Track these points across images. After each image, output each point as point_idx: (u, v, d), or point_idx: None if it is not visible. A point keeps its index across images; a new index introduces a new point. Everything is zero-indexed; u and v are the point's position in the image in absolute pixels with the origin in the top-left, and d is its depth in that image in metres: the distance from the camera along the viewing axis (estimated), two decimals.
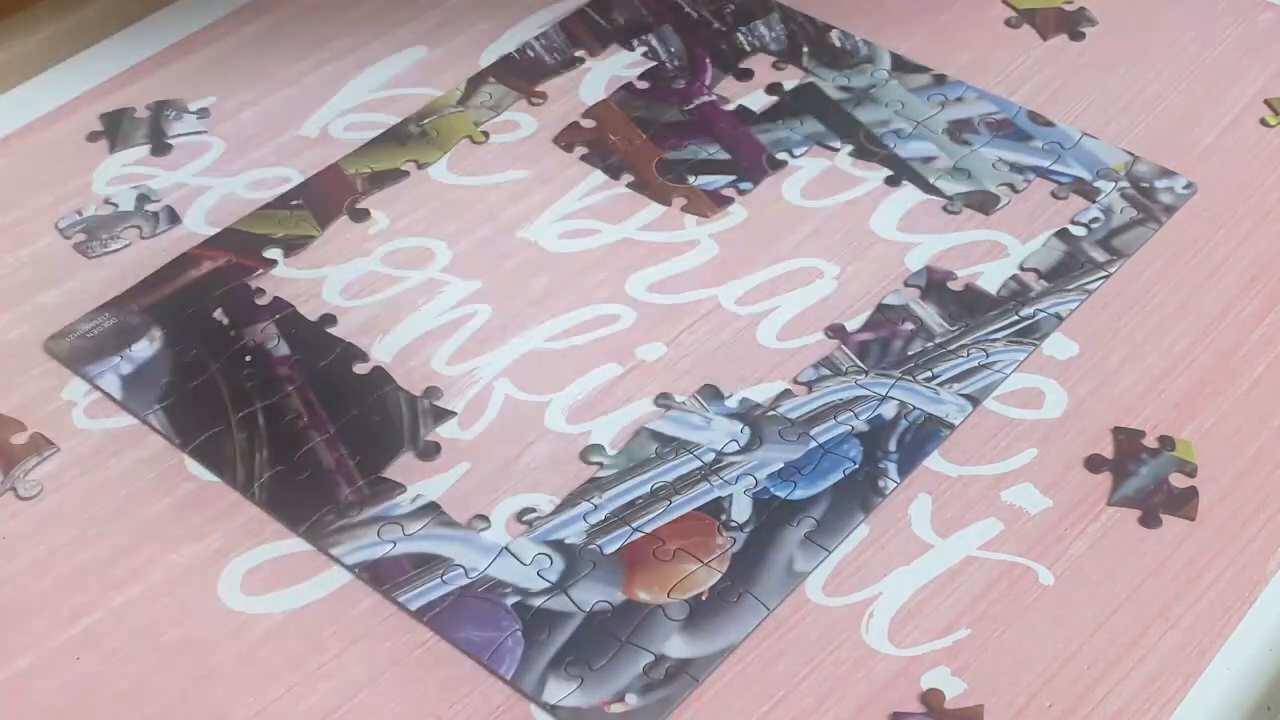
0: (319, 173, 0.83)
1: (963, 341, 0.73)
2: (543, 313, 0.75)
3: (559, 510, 0.66)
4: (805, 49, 0.90)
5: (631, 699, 0.60)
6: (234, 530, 0.66)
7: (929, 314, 0.74)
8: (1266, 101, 0.86)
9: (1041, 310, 0.74)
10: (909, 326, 0.74)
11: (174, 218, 0.80)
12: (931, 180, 0.81)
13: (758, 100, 0.87)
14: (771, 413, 0.70)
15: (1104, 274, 0.76)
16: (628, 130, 0.85)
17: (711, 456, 0.68)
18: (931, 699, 0.60)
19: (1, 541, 0.66)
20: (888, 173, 0.82)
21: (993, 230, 0.79)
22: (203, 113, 0.86)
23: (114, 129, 0.85)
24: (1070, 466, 0.68)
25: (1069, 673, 0.61)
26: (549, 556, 0.65)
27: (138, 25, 0.92)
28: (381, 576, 0.64)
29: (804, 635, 0.62)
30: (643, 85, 0.88)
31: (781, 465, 0.68)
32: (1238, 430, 0.69)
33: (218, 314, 0.75)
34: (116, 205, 0.81)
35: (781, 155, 0.83)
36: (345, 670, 0.61)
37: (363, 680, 0.61)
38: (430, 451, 0.69)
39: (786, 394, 0.71)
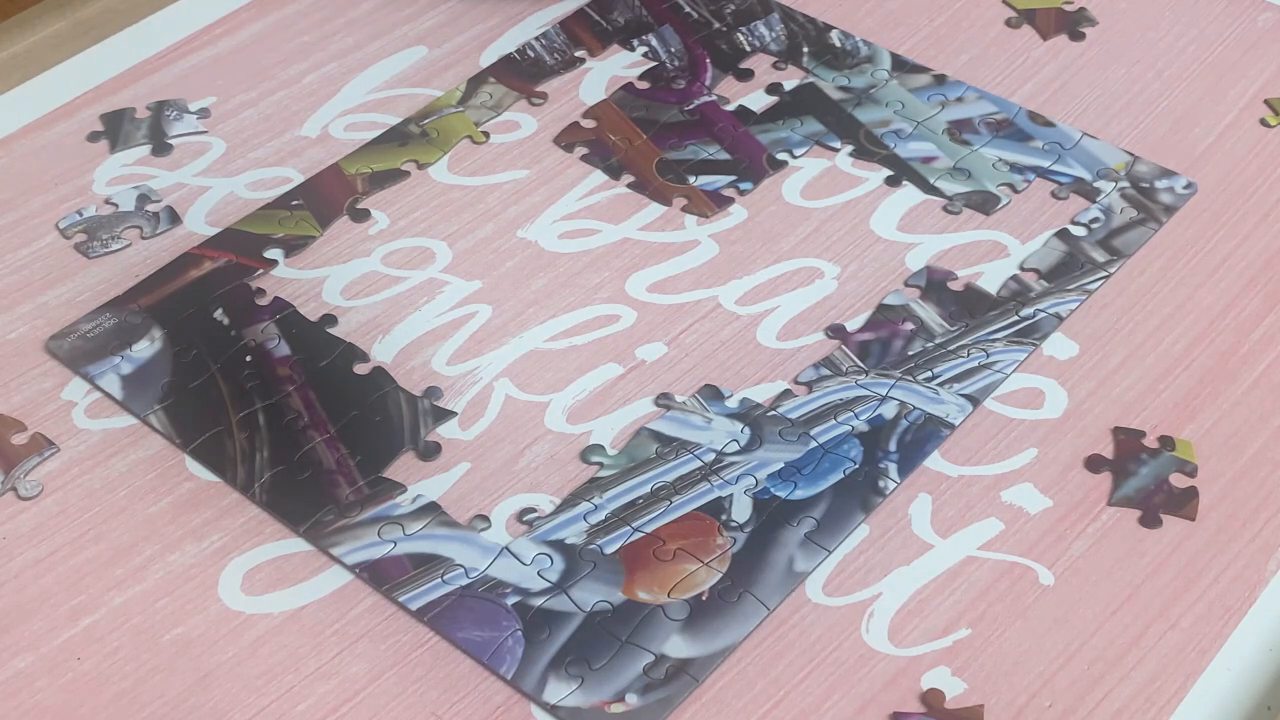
0: (319, 173, 0.83)
1: (963, 341, 0.73)
2: (543, 313, 0.75)
3: (559, 510, 0.66)
4: (805, 49, 0.90)
5: (631, 699, 0.60)
6: (234, 530, 0.66)
7: (929, 314, 0.74)
8: (1266, 101, 0.86)
9: (1041, 310, 0.74)
10: (909, 326, 0.74)
11: (174, 218, 0.80)
12: (931, 180, 0.81)
13: (758, 100, 0.87)
14: (771, 413, 0.70)
15: (1104, 274, 0.76)
16: (628, 130, 0.85)
17: (711, 456, 0.68)
18: (931, 699, 0.60)
19: (1, 541, 0.66)
20: (888, 173, 0.82)
21: (993, 230, 0.79)
22: (203, 113, 0.86)
23: (114, 129, 0.85)
24: (1070, 466, 0.68)
25: (1069, 673, 0.61)
26: (549, 556, 0.65)
27: (138, 25, 0.92)
28: (381, 576, 0.64)
29: (804, 635, 0.62)
30: (643, 85, 0.88)
31: (781, 465, 0.68)
32: (1238, 430, 0.69)
33: (218, 314, 0.75)
34: (117, 205, 0.81)
35: (781, 155, 0.83)
36: (345, 670, 0.61)
37: (363, 680, 0.61)
38: (430, 451, 0.69)
39: (786, 394, 0.71)
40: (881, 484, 0.67)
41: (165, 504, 0.67)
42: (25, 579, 0.65)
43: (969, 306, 0.75)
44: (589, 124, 0.86)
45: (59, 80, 0.89)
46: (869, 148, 0.83)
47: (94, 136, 0.85)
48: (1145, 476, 0.67)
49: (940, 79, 0.87)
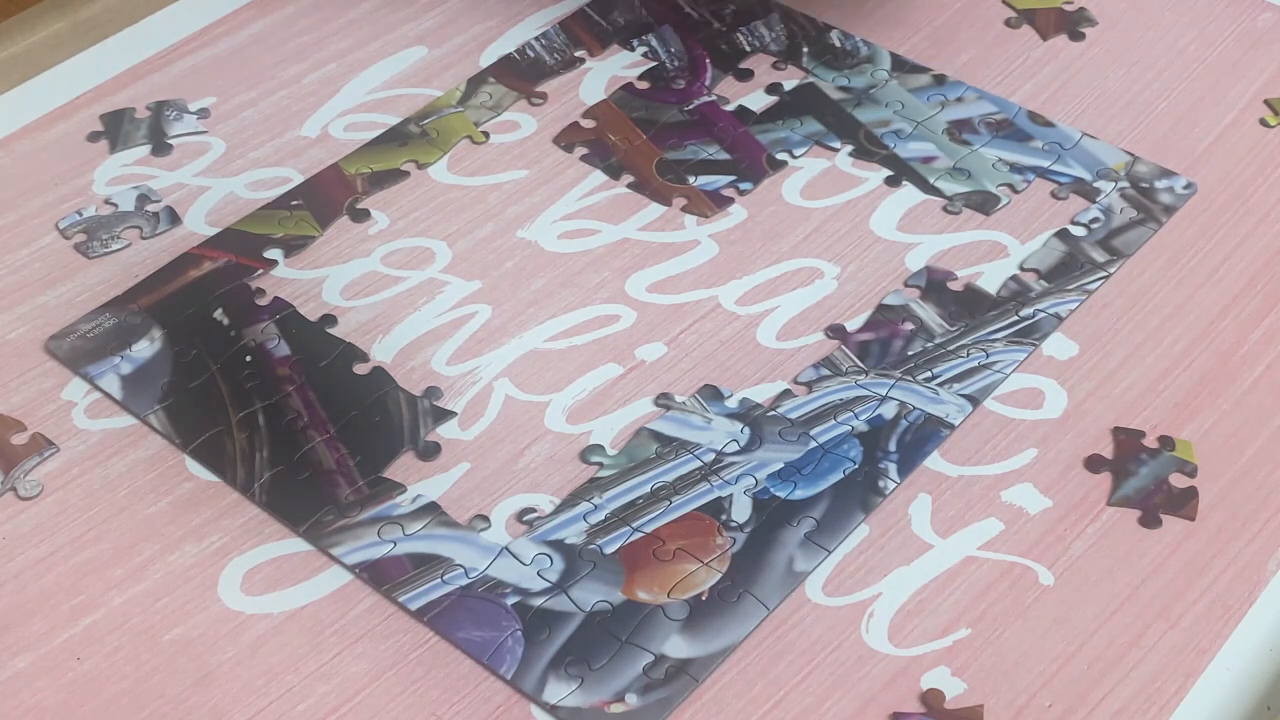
0: (319, 173, 0.83)
1: (963, 341, 0.73)
2: (543, 313, 0.75)
3: (559, 510, 0.66)
4: (805, 49, 0.90)
5: (631, 699, 0.60)
6: (234, 530, 0.66)
7: (929, 314, 0.74)
8: (1266, 102, 0.86)
9: (1041, 310, 0.74)
10: (909, 326, 0.74)
11: (174, 218, 0.80)
12: (931, 180, 0.81)
13: (758, 100, 0.87)
14: (771, 413, 0.70)
15: (1104, 274, 0.76)
16: (628, 130, 0.85)
17: (711, 456, 0.68)
18: (931, 699, 0.60)
19: (1, 541, 0.66)
20: (888, 173, 0.82)
21: (993, 230, 0.79)
22: (203, 113, 0.86)
23: (114, 129, 0.85)
24: (1070, 466, 0.68)
25: (1069, 673, 0.61)
26: (549, 556, 0.65)
27: (138, 25, 0.92)
28: (381, 576, 0.64)
29: (804, 635, 0.62)
30: (643, 85, 0.88)
31: (781, 465, 0.68)
32: (1238, 430, 0.69)
33: (218, 314, 0.75)
34: (117, 205, 0.81)
35: (781, 155, 0.83)
36: (345, 670, 0.61)
37: (363, 680, 0.61)
38: (430, 451, 0.69)
39: (786, 394, 0.71)
40: (881, 484, 0.67)
41: (165, 504, 0.67)
42: (25, 579, 0.65)
43: (969, 306, 0.75)
44: (589, 124, 0.86)
45: (59, 80, 0.89)
46: (869, 148, 0.83)
47: (94, 136, 0.85)
48: (1145, 476, 0.67)
49: (940, 79, 0.87)
